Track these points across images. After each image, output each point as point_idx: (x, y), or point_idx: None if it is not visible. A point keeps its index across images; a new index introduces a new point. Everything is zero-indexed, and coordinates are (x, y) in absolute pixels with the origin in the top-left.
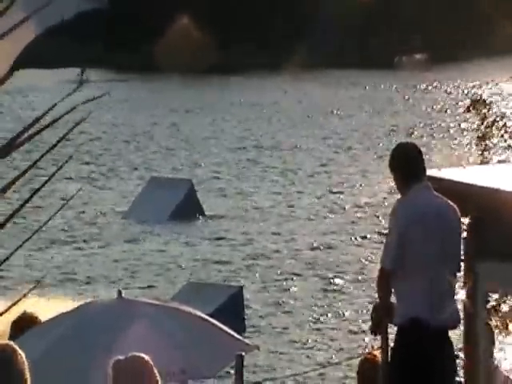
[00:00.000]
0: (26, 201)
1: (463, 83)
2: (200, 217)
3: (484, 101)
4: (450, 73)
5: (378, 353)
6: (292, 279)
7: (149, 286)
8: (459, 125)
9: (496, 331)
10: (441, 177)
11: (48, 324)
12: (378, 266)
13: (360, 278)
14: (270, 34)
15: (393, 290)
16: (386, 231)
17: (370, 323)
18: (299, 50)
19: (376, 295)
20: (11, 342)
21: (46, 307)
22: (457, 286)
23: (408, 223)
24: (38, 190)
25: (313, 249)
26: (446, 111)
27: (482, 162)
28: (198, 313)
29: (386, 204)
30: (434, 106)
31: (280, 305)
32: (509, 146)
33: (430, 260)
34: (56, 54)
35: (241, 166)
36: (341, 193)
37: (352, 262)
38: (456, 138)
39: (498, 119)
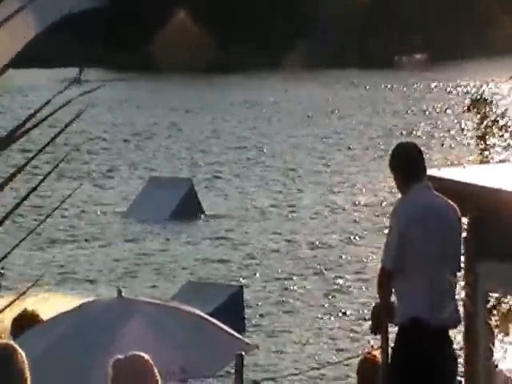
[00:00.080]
0: (23, 199)
1: (463, 83)
2: (200, 216)
3: (485, 100)
4: (449, 73)
5: (377, 353)
6: (292, 279)
7: (149, 286)
8: (459, 125)
9: (496, 331)
10: (441, 176)
11: (48, 323)
12: (379, 266)
13: (360, 277)
14: (270, 33)
15: (393, 290)
16: (386, 231)
17: (370, 323)
18: (299, 49)
19: (376, 295)
20: (11, 342)
21: (46, 306)
22: (457, 285)
23: (408, 223)
24: (35, 188)
25: (313, 248)
26: (445, 111)
27: (481, 162)
28: (198, 312)
29: (386, 204)
30: (434, 106)
31: (280, 304)
32: (509, 145)
33: (431, 260)
34: (56, 53)
35: (241, 166)
36: (341, 193)
37: (352, 262)
38: (456, 138)
39: (498, 119)
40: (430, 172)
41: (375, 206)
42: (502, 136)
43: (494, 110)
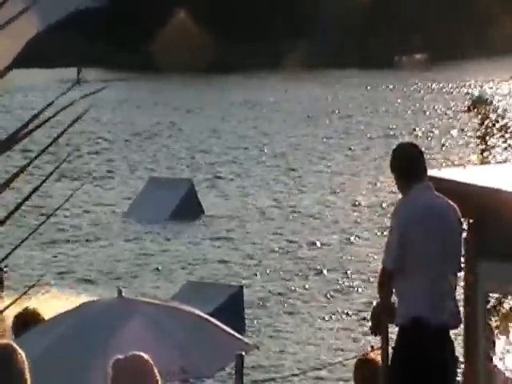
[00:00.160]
0: (25, 199)
1: (463, 83)
2: (200, 217)
3: (486, 100)
4: (450, 73)
5: (377, 353)
6: (292, 279)
7: (149, 286)
8: (459, 125)
9: (496, 331)
10: (441, 177)
11: (49, 323)
12: (380, 266)
13: (360, 277)
14: (270, 33)
15: (394, 290)
16: (386, 231)
17: (370, 323)
18: (299, 49)
19: (377, 295)
20: (11, 342)
21: (47, 306)
22: (457, 286)
23: (409, 223)
24: (37, 188)
25: (313, 248)
26: (445, 111)
27: (482, 162)
28: (198, 312)
29: (387, 204)
30: (434, 106)
31: (280, 304)
32: (509, 146)
33: (431, 260)
34: (56, 54)
35: (241, 166)
36: (341, 193)
37: (352, 262)
38: (456, 138)
39: (498, 119)
40: (431, 172)
41: (376, 207)
42: (503, 136)
43: (494, 111)
